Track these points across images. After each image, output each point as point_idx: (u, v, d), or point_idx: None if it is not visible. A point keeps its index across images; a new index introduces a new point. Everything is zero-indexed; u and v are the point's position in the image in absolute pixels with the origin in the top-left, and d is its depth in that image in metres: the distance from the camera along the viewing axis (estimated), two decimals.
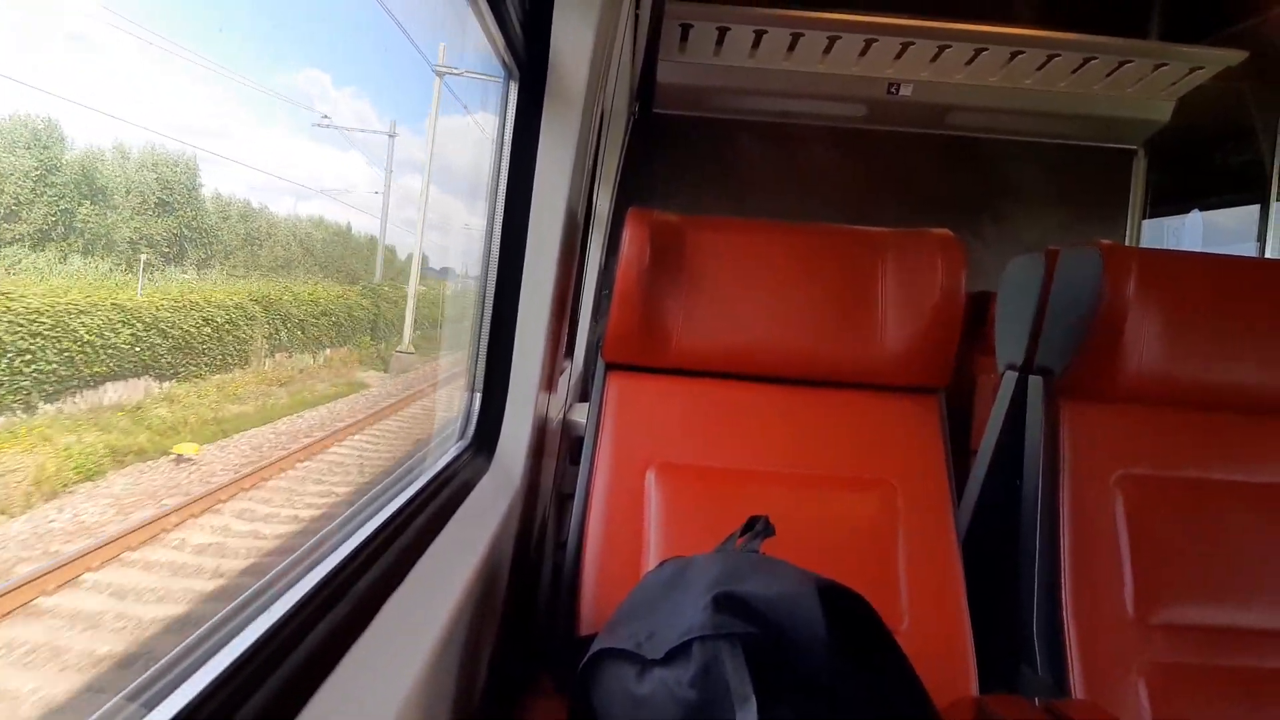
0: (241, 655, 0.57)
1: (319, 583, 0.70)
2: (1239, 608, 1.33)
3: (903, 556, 1.30)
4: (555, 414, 1.84)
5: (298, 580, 0.71)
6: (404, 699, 0.64)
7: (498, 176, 1.35)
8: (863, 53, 3.22)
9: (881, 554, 1.31)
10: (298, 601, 0.66)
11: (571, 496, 1.37)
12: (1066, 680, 1.28)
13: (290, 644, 0.61)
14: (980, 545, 1.47)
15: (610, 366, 1.44)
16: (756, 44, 3.21)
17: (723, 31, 3.13)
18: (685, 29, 3.14)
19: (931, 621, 1.28)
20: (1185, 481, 1.39)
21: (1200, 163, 3.62)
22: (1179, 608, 1.32)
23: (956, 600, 1.30)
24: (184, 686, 0.54)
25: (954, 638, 1.28)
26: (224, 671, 0.55)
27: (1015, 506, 1.45)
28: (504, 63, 1.26)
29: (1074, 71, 3.28)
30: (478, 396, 1.37)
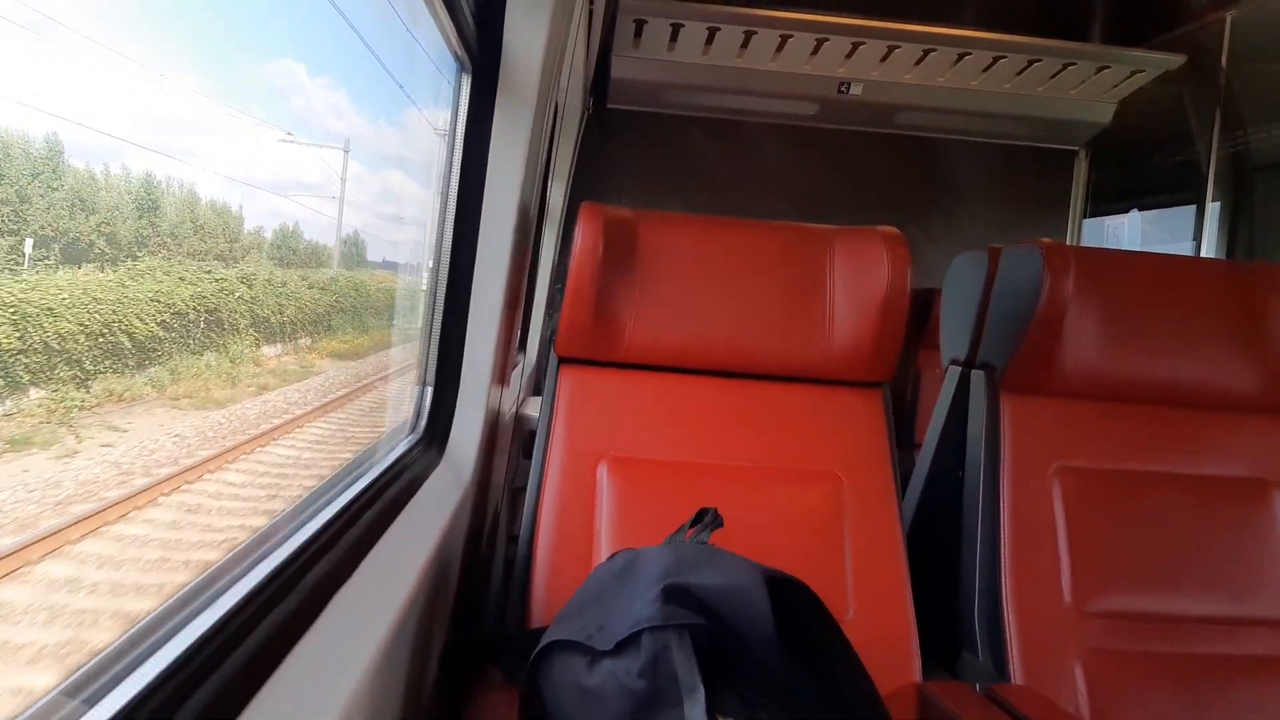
0: (187, 649, 0.56)
1: (266, 576, 0.69)
2: (1171, 596, 1.37)
3: (849, 547, 1.33)
4: (508, 408, 1.83)
5: (244, 574, 0.70)
6: (352, 692, 0.63)
7: (450, 169, 1.34)
8: (814, 52, 3.26)
9: (828, 545, 1.33)
10: (245, 595, 0.65)
11: (524, 490, 1.37)
12: (1006, 666, 1.31)
13: (236, 638, 0.60)
14: (924, 535, 1.50)
15: (563, 360, 1.44)
16: (710, 41, 3.22)
17: (676, 28, 3.14)
18: (639, 24, 3.14)
19: (876, 610, 1.30)
20: (1120, 473, 1.43)
21: (1139, 164, 3.72)
22: (1114, 596, 1.36)
23: (901, 589, 1.33)
24: (126, 682, 0.53)
25: (898, 626, 1.30)
26: (169, 666, 0.54)
27: (958, 498, 1.48)
28: (456, 55, 1.25)
29: (1019, 73, 3.35)
30: (429, 390, 1.36)
